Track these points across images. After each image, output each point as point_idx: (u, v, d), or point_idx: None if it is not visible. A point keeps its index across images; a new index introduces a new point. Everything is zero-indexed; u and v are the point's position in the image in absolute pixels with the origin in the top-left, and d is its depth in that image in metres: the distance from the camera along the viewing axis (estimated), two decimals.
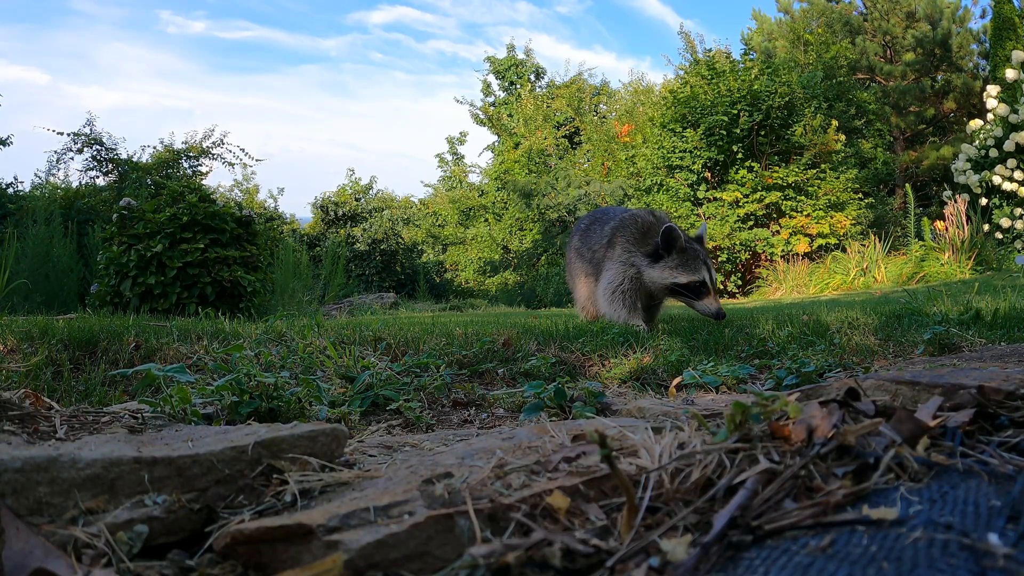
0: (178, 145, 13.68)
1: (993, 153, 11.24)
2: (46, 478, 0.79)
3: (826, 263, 11.45)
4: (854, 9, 22.03)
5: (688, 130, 13.84)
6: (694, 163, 13.66)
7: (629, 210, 4.11)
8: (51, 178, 12.35)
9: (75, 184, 12.11)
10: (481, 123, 22.54)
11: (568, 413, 1.78)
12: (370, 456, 1.23)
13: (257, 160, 16.02)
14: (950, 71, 20.83)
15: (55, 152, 12.57)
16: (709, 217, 13.33)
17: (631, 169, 16.56)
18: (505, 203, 19.25)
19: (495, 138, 22.31)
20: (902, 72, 20.92)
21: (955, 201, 10.44)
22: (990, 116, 11.58)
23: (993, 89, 11.71)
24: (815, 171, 13.39)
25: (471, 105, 22.58)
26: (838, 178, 13.53)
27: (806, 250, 12.77)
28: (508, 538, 0.70)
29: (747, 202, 13.18)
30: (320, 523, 0.72)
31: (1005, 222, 10.79)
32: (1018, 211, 10.77)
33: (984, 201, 11.19)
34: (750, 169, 13.37)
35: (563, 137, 20.50)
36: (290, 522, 0.73)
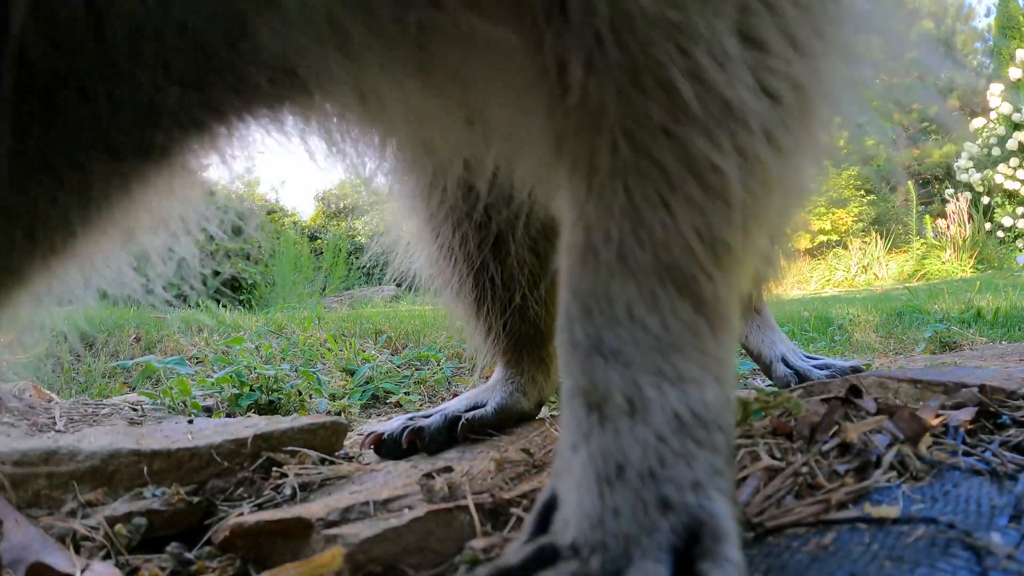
0: None
1: (996, 152, 11.21)
2: (45, 470, 0.79)
3: (827, 259, 11.44)
4: None
5: None
6: None
7: None
8: None
9: None
10: None
11: None
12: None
13: (259, 152, 15.96)
14: (953, 69, 20.77)
15: None
16: None
17: None
18: None
19: None
20: None
21: (957, 199, 10.42)
22: (993, 114, 11.54)
23: (996, 87, 11.67)
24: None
25: None
26: (839, 175, 13.46)
27: (807, 246, 12.72)
28: (508, 532, 0.70)
29: None
30: (319, 517, 0.72)
31: (1007, 221, 10.76)
32: (1020, 210, 10.74)
33: (986, 199, 11.15)
34: None
35: None
36: (289, 516, 0.73)
